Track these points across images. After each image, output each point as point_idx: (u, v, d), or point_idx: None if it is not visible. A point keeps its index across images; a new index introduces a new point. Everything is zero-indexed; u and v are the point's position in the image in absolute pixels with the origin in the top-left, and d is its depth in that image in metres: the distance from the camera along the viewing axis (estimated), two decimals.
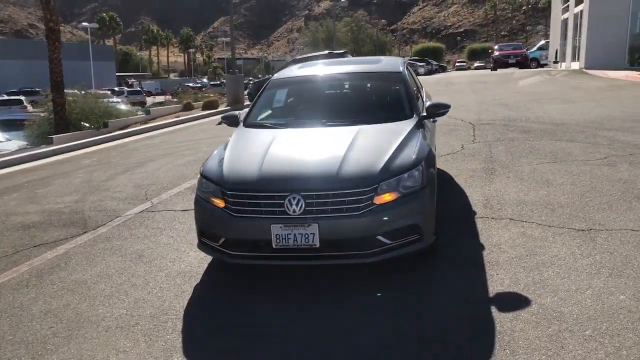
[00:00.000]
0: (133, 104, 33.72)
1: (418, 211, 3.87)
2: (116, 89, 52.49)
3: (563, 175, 6.42)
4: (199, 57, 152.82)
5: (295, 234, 3.73)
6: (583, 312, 3.36)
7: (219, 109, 22.00)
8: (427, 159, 4.10)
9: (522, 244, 4.50)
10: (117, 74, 78.26)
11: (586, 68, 23.94)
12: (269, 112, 5.44)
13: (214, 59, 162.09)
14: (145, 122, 19.37)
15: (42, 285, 4.35)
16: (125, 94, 45.55)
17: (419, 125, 4.70)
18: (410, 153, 4.08)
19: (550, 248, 4.37)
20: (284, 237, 3.74)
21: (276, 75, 5.68)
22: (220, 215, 3.93)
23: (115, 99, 30.13)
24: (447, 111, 4.99)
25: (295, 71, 5.80)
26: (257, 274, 4.25)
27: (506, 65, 32.46)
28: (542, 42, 46.53)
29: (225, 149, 4.55)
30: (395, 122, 4.72)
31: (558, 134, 9.02)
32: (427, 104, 5.02)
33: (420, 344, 3.17)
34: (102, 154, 12.26)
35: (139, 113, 23.58)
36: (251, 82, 32.10)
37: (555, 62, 32.13)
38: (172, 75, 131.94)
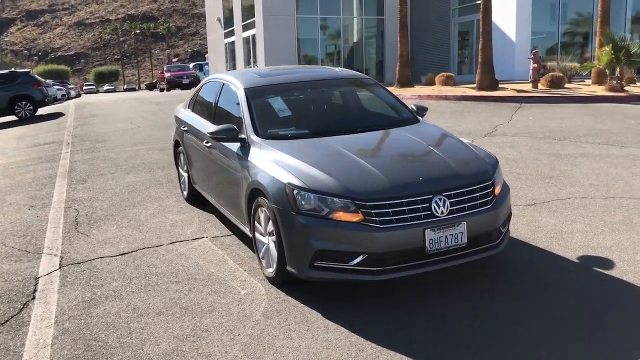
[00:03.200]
0: None
1: (509, 202, 4.26)
2: None
3: None
4: None
5: (446, 236, 3.67)
6: None
7: None
8: None
9: (550, 219, 5.28)
10: None
11: None
12: (275, 121, 4.85)
13: None
14: None
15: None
16: None
17: None
18: (484, 151, 4.41)
19: (575, 216, 5.32)
20: (436, 240, 3.65)
21: (248, 84, 4.99)
22: (360, 230, 3.54)
23: None
24: (426, 113, 5.39)
25: (263, 78, 5.23)
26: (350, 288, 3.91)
27: (180, 85, 33.29)
28: (191, 65, 48.91)
29: (285, 164, 3.95)
30: (420, 124, 4.93)
31: None
32: (411, 106, 5.33)
33: (594, 320, 3.61)
34: None
35: None
36: None
37: None
38: None
